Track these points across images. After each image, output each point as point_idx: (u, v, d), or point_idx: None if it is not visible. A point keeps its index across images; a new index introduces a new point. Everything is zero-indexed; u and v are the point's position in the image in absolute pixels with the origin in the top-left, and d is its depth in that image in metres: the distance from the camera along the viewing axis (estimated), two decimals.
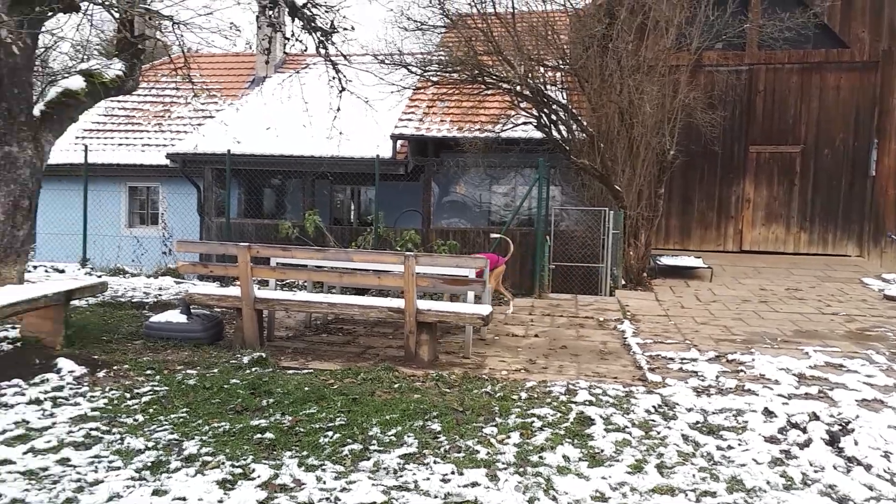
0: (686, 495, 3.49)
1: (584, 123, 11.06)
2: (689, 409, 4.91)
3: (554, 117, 11.22)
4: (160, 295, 9.25)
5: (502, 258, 8.46)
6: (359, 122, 12.09)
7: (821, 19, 13.68)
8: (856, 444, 4.19)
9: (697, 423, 4.63)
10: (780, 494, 3.51)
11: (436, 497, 3.36)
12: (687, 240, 14.48)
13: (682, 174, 14.35)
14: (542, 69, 11.44)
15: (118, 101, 18.93)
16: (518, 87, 10.89)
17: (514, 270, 12.56)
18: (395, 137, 14.52)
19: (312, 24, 10.01)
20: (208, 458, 3.69)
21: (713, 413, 4.84)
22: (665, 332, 7.81)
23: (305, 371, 5.56)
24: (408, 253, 5.78)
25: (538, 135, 12.20)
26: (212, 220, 16.27)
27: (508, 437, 4.19)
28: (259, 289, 6.36)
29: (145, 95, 19.35)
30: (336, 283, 6.99)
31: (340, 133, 10.94)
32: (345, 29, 10.24)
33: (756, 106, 14.19)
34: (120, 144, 18.43)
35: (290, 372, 5.50)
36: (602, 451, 4.05)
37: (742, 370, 6.14)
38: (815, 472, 3.84)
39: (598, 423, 4.48)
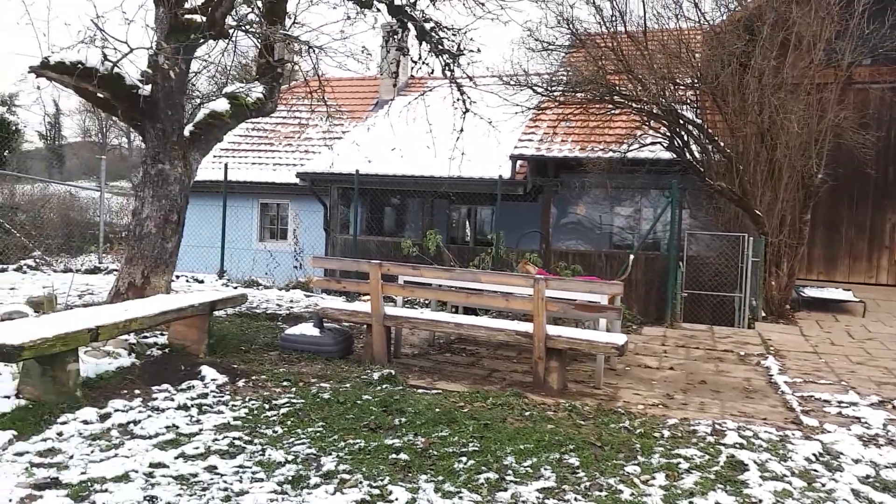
0: None
1: (721, 144, 10.47)
2: (857, 461, 4.40)
3: (687, 138, 10.71)
4: (291, 307, 9.56)
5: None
6: (480, 142, 12.08)
7: None
8: None
9: (868, 476, 4.14)
10: None
11: None
12: (833, 270, 13.38)
13: (827, 199, 13.28)
14: (673, 87, 10.98)
15: (253, 122, 20.13)
16: (648, 107, 10.49)
17: (640, 297, 12.07)
18: (514, 158, 14.48)
19: (440, 48, 10.15)
20: (346, 476, 3.66)
21: (886, 467, 4.31)
22: (816, 371, 7.16)
23: (434, 391, 5.50)
24: (538, 276, 5.60)
25: (666, 155, 11.72)
26: (337, 236, 16.85)
27: (653, 478, 3.90)
28: (386, 306, 6.39)
29: (277, 117, 20.43)
30: (462, 303, 6.91)
31: (462, 154, 10.98)
32: (471, 51, 10.31)
33: None
34: (253, 163, 19.55)
35: (420, 391, 5.45)
36: (760, 501, 3.68)
37: None
38: None
39: (752, 470, 4.09)
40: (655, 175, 12.46)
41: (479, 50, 10.40)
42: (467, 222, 18.75)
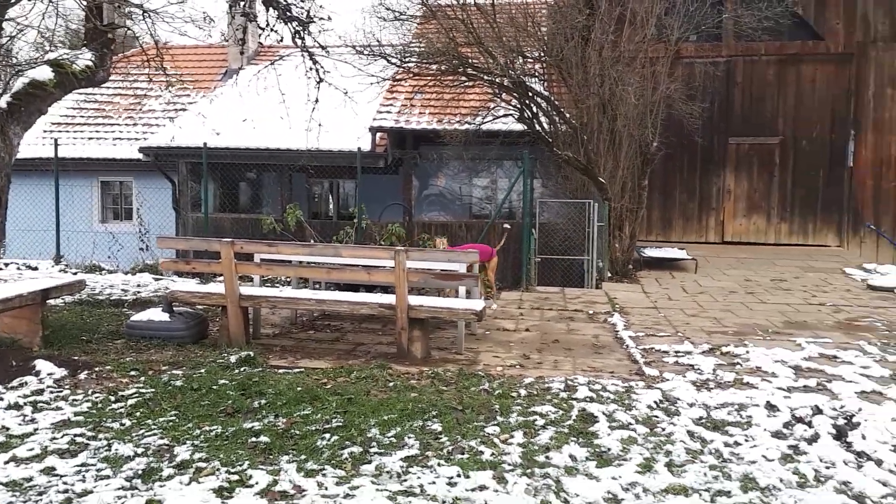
0: (700, 495, 3.40)
1: (567, 115, 10.97)
2: (692, 405, 4.83)
3: (536, 109, 11.11)
4: (139, 292, 8.96)
5: (492, 249, 8.36)
6: (338, 114, 11.84)
7: (796, 10, 13.77)
8: (863, 438, 4.15)
9: (701, 418, 4.56)
10: (796, 493, 3.44)
11: (444, 502, 3.22)
12: (669, 231, 14.53)
13: (662, 166, 14.35)
14: (522, 60, 11.32)
15: (87, 94, 18.46)
16: (499, 79, 10.75)
17: (498, 263, 12.47)
18: (373, 130, 14.32)
19: (287, 14, 9.77)
20: (202, 465, 3.51)
21: (715, 408, 4.77)
22: (656, 325, 7.76)
23: (296, 370, 5.38)
24: (399, 248, 5.61)
25: (519, 127, 12.08)
26: (188, 214, 15.94)
27: (512, 437, 4.07)
28: (242, 285, 6.15)
29: (116, 88, 18.85)
30: (324, 279, 6.80)
31: (319, 125, 10.69)
32: (321, 19, 10.01)
33: (735, 98, 14.26)
34: (90, 138, 17.94)
35: (281, 371, 5.32)
36: (609, 449, 3.95)
37: (738, 363, 6.09)
38: (827, 468, 3.78)
39: (601, 421, 4.38)
40: (509, 146, 12.84)
41: (329, 18, 10.11)
42: (329, 196, 18.41)
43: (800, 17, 13.89)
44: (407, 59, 11.45)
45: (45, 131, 16.78)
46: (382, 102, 14.77)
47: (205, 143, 12.60)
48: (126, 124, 18.78)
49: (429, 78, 12.59)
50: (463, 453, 3.81)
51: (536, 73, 11.64)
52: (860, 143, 13.76)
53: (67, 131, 17.69)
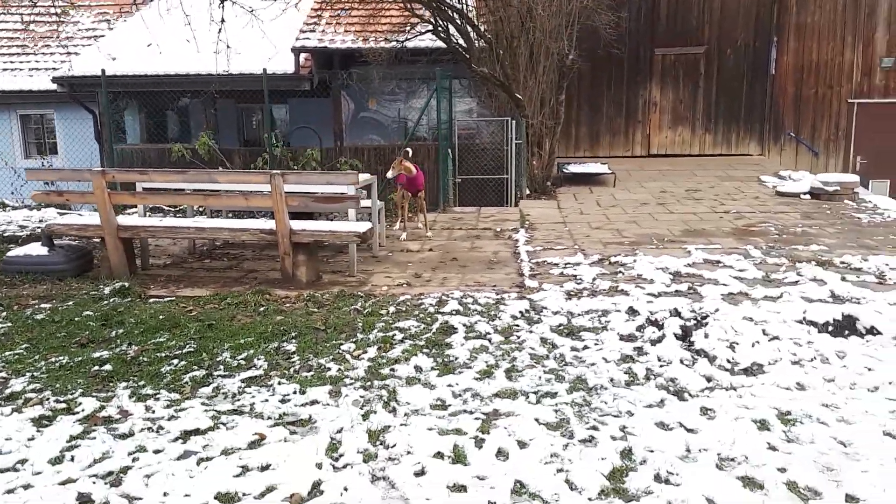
0: (527, 397, 3.51)
1: (482, 29, 10.69)
2: (556, 312, 4.95)
3: (449, 25, 10.79)
4: (38, 228, 8.70)
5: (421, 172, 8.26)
6: (256, 36, 11.40)
7: None
8: (706, 336, 4.30)
9: (560, 325, 4.67)
10: (619, 391, 3.57)
11: (269, 418, 3.27)
12: (597, 146, 14.53)
13: (590, 81, 14.23)
14: None
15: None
16: None
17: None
18: (296, 51, 13.76)
19: None
20: (31, 395, 3.49)
21: (579, 315, 4.89)
22: (558, 239, 7.85)
23: (168, 299, 5.33)
24: (274, 171, 5.50)
25: (458, 44, 11.72)
26: (112, 147, 15.42)
27: (365, 352, 4.13)
28: (121, 216, 6.00)
29: (32, 14, 17.86)
30: (200, 205, 6.66)
31: (228, 47, 10.25)
32: None
33: (660, 7, 14.02)
34: (5, 69, 17.01)
35: (152, 301, 5.26)
36: (456, 358, 4.03)
37: (621, 271, 6.22)
38: (661, 366, 3.93)
39: (459, 332, 4.46)
40: (437, 65, 12.51)
41: None
42: (261, 123, 17.90)
43: None
44: None
45: None
46: (306, 22, 14.22)
47: (102, 71, 12.03)
48: (43, 53, 17.82)
49: None
50: (309, 371, 3.86)
51: None
52: (782, 50, 13.75)
53: None
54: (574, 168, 12.20)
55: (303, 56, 14.14)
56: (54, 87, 15.54)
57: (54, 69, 16.55)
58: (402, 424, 3.16)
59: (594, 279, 5.93)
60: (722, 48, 14.00)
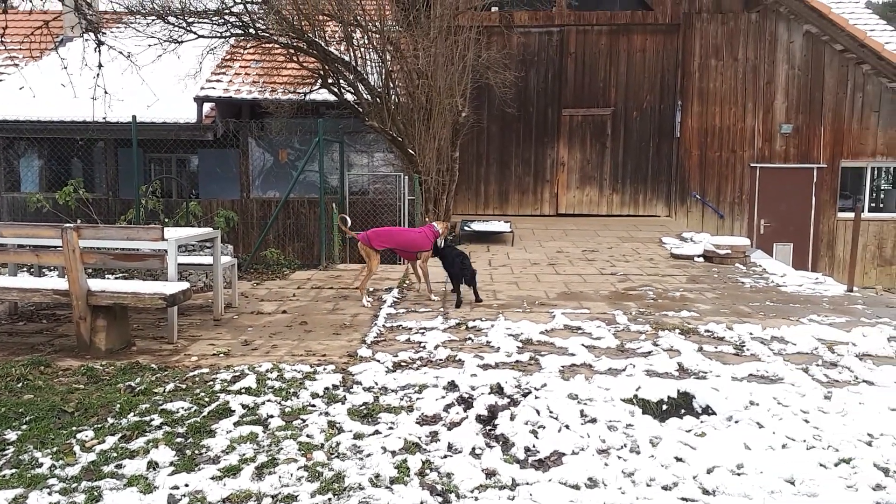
0: (259, 502, 2.88)
1: (372, 84, 10.36)
2: (368, 389, 4.36)
3: (337, 77, 10.46)
4: None
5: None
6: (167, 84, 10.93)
7: None
8: (511, 418, 3.77)
9: (363, 404, 4.07)
10: (375, 492, 2.97)
11: None
12: (506, 205, 14.28)
13: (499, 139, 14.10)
14: (329, 25, 10.62)
15: None
16: (296, 42, 10.01)
17: (308, 239, 11.88)
18: (199, 100, 13.30)
19: None
20: None
21: (392, 391, 4.31)
22: (427, 301, 7.32)
23: None
24: (67, 225, 4.85)
25: (350, 97, 11.37)
26: (1, 195, 14.54)
27: (102, 442, 3.44)
28: None
29: None
30: None
31: (106, 93, 9.69)
32: None
33: (568, 68, 14.07)
34: None
35: None
36: (209, 450, 3.39)
37: (471, 338, 5.71)
38: (445, 457, 3.35)
39: (235, 416, 3.82)
40: (343, 118, 12.13)
41: None
42: (175, 173, 17.22)
43: None
44: (192, 19, 10.38)
45: None
46: (214, 71, 13.81)
47: None
48: None
49: (251, 45, 11.69)
50: (15, 467, 3.16)
51: (337, 38, 10.87)
52: (686, 113, 13.88)
53: None
54: (476, 226, 11.83)
55: (207, 106, 13.69)
56: None
57: None
58: None
59: (437, 346, 5.39)
60: (628, 110, 14.06)
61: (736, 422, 3.85)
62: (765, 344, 5.47)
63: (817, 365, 4.92)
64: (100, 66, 9.46)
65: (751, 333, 5.79)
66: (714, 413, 4.04)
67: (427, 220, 9.09)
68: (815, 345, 5.41)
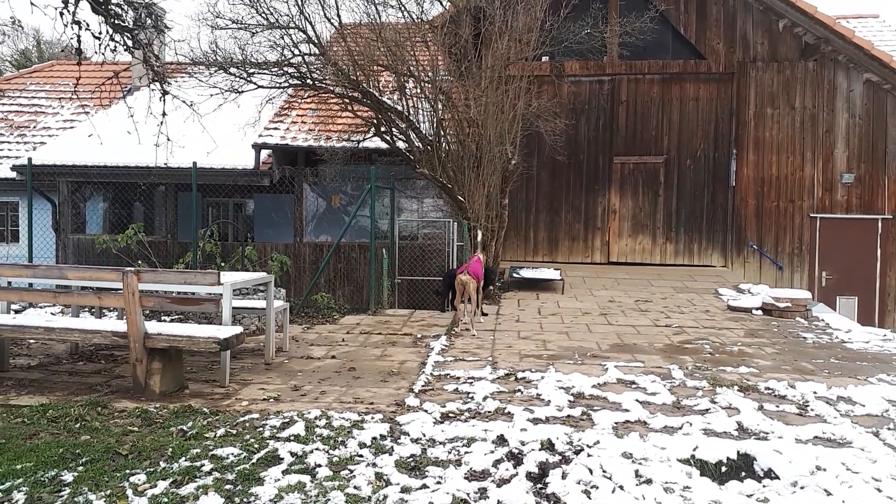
0: None
1: (423, 132, 10.52)
2: (416, 440, 4.30)
3: (389, 125, 10.66)
4: None
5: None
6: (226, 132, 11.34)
7: (678, 30, 13.72)
8: (563, 477, 3.66)
9: (411, 456, 4.02)
10: None
11: None
12: (555, 252, 14.16)
13: (550, 186, 14.09)
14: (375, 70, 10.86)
15: None
16: (351, 93, 10.28)
17: (357, 283, 11.97)
18: (257, 147, 13.78)
19: (116, 23, 9.23)
20: None
21: (439, 444, 4.24)
22: (477, 349, 7.26)
23: None
24: (128, 269, 5.01)
25: (401, 145, 11.59)
26: (68, 236, 15.21)
27: (154, 487, 3.47)
28: None
29: (13, 104, 18.37)
30: (52, 303, 6.13)
31: (168, 140, 10.13)
32: (158, 28, 9.52)
33: (619, 116, 14.05)
34: None
35: None
36: (255, 499, 3.37)
37: (520, 390, 5.61)
38: None
39: (283, 464, 3.81)
40: (395, 166, 12.36)
41: (167, 28, 9.64)
42: (231, 217, 17.78)
43: (681, 37, 13.82)
44: (253, 72, 10.77)
45: None
46: (272, 119, 14.32)
47: (29, 160, 11.94)
48: (17, 142, 17.95)
49: (310, 94, 12.08)
50: None
51: (401, 87, 11.15)
52: (742, 162, 13.63)
53: None
54: (525, 273, 11.75)
55: (265, 152, 14.15)
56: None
57: (20, 157, 16.56)
58: None
59: (485, 398, 5.31)
60: (681, 158, 13.91)
61: (801, 488, 3.65)
62: (830, 404, 5.22)
63: (889, 429, 4.65)
64: (164, 114, 9.90)
65: (815, 392, 5.53)
66: (777, 477, 3.85)
67: (472, 254, 9.36)
68: (886, 406, 5.14)
